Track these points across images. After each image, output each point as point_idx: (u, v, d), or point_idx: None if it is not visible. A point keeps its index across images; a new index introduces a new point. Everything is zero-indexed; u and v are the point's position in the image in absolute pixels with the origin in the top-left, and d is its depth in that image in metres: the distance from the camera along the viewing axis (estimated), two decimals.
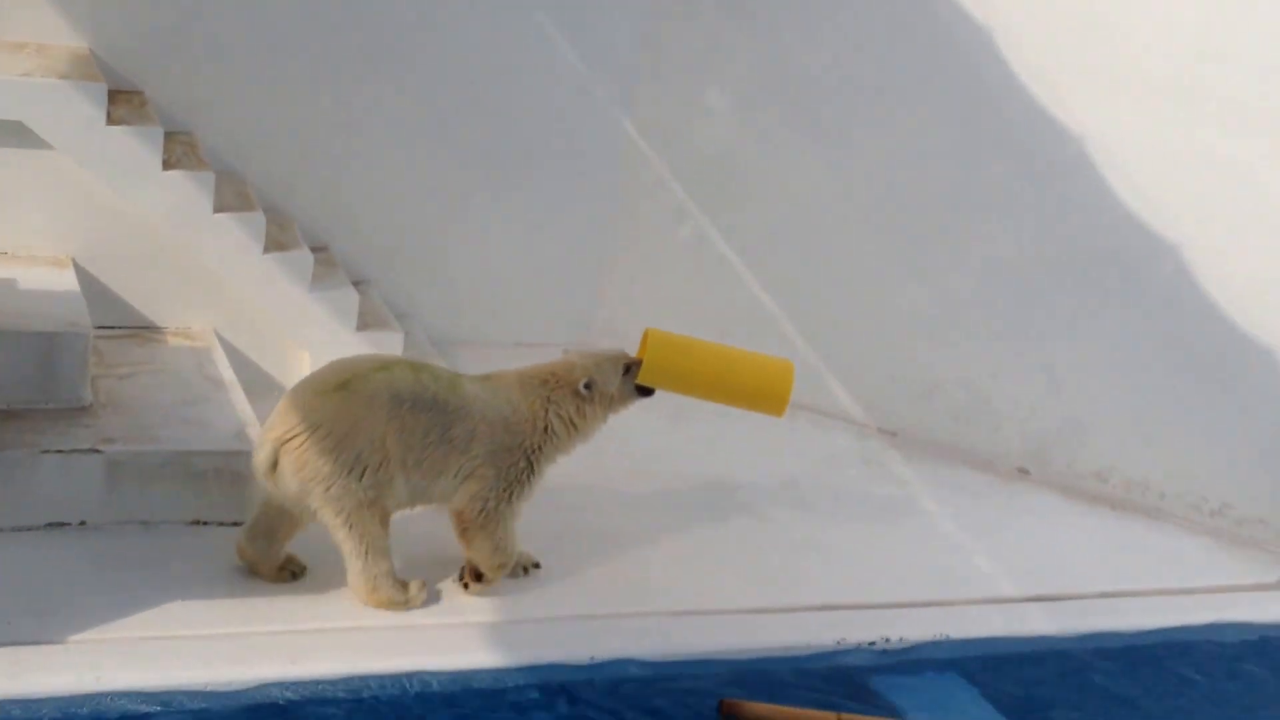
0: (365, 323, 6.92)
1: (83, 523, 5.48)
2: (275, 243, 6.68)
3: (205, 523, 5.63)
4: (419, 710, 4.80)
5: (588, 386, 5.37)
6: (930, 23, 7.19)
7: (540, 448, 5.34)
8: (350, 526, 5.08)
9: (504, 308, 7.84)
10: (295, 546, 5.34)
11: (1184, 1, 6.77)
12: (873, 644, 5.54)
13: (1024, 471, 7.39)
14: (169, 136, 6.49)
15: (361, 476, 5.03)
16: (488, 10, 7.29)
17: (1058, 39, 6.96)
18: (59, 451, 5.47)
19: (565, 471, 5.51)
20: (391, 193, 7.40)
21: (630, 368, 5.44)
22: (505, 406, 5.31)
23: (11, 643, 4.71)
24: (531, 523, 5.47)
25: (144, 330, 6.70)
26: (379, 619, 5.17)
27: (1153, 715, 5.53)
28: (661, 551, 6.00)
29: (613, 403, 5.45)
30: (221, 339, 6.75)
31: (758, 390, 5.52)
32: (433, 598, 5.35)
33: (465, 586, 5.41)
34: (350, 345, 6.66)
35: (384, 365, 5.20)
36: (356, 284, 7.08)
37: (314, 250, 6.90)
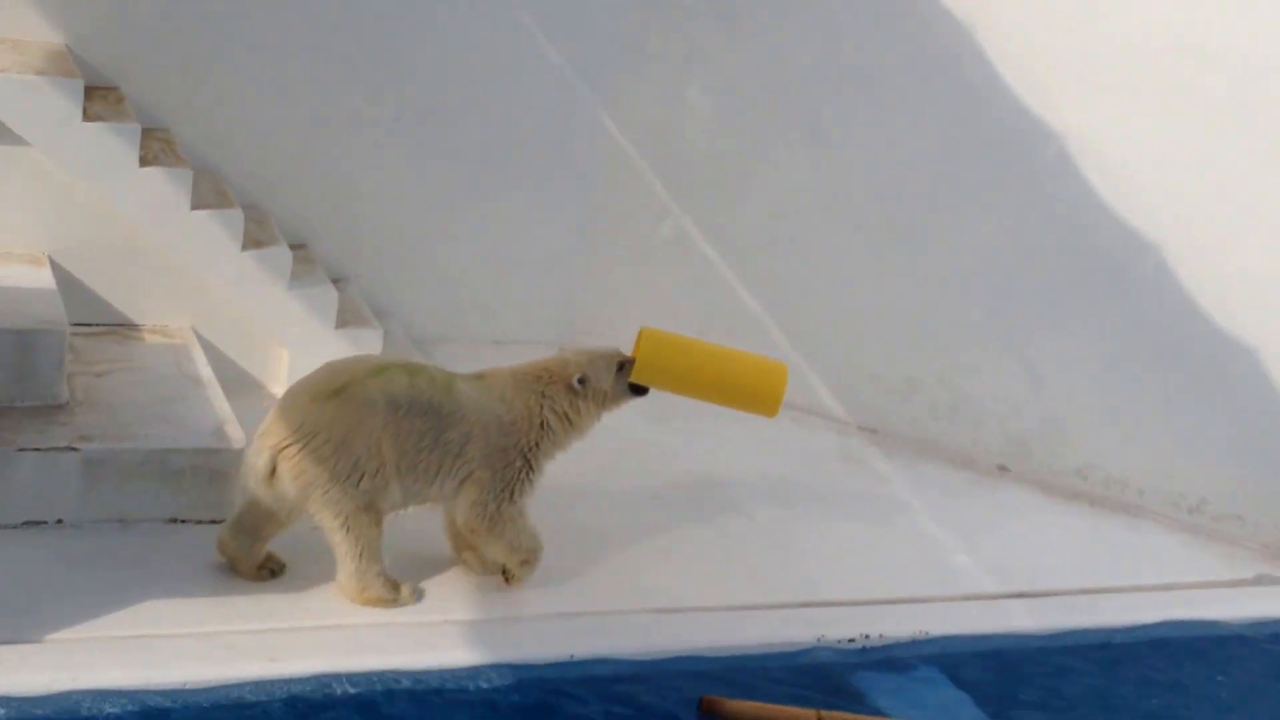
0: (344, 320, 6.90)
1: (60, 521, 5.46)
2: (253, 240, 6.66)
3: (183, 521, 5.61)
4: (398, 708, 4.78)
5: (581, 382, 5.37)
6: (912, 21, 7.20)
7: (537, 444, 5.34)
8: (347, 529, 5.09)
9: (484, 305, 7.82)
10: (274, 544, 5.32)
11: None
12: (853, 641, 5.54)
13: (1004, 469, 7.41)
14: (146, 133, 6.46)
15: (359, 482, 5.04)
16: (469, 7, 7.26)
17: (1039, 37, 6.97)
18: (36, 450, 5.43)
19: (547, 469, 5.49)
20: (371, 190, 7.37)
21: (624, 366, 5.44)
22: (500, 406, 5.30)
23: None
24: None
25: (121, 328, 6.66)
26: (359, 617, 5.15)
27: (1131, 710, 5.55)
28: (642, 549, 6.00)
29: (606, 400, 5.45)
30: (199, 336, 6.71)
31: (751, 391, 5.52)
32: (416, 595, 5.34)
33: (507, 581, 5.49)
34: (329, 343, 6.64)
35: (379, 369, 5.18)
36: (335, 281, 7.06)
37: (292, 247, 6.87)
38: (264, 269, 6.62)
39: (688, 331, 5.71)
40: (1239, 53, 6.65)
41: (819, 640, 5.50)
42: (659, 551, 6.01)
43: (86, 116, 6.21)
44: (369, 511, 5.09)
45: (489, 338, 7.72)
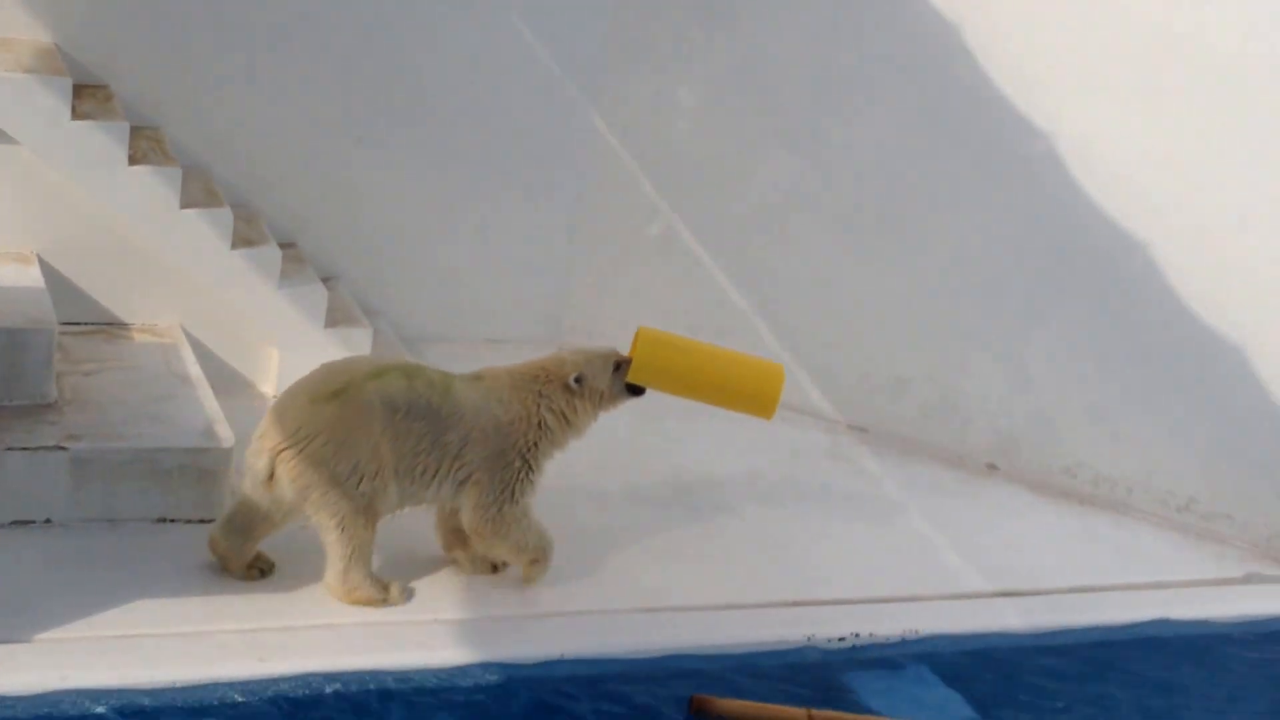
0: (334, 319, 6.89)
1: (48, 520, 5.44)
2: (243, 239, 6.64)
3: (172, 520, 5.59)
4: (387, 707, 4.78)
5: (578, 380, 5.37)
6: (898, 18, 7.21)
7: (535, 444, 5.34)
8: (342, 530, 5.09)
9: (473, 304, 7.81)
10: (263, 544, 5.31)
11: None
12: (844, 640, 5.55)
13: (993, 467, 7.42)
14: (135, 131, 6.44)
15: (358, 484, 5.05)
16: (455, 6, 7.25)
17: (1026, 35, 6.98)
18: (24, 449, 5.42)
19: (547, 468, 5.48)
20: (360, 189, 7.35)
21: (621, 365, 5.43)
22: (497, 407, 5.30)
23: None
24: None
25: (110, 326, 6.64)
26: (348, 616, 5.15)
27: (1121, 708, 5.56)
28: (632, 548, 5.99)
29: (603, 400, 5.45)
30: (188, 335, 6.69)
31: (748, 392, 5.52)
32: (405, 595, 5.33)
33: (495, 572, 5.54)
34: (319, 342, 6.63)
35: (377, 371, 5.17)
36: (325, 280, 7.05)
37: (282, 246, 6.85)
38: (253, 267, 6.60)
39: (677, 330, 5.71)
40: (1227, 52, 6.66)
41: (809, 639, 5.50)
42: (649, 551, 6.00)
43: (75, 115, 6.19)
44: (365, 514, 5.10)
45: (478, 336, 7.71)
